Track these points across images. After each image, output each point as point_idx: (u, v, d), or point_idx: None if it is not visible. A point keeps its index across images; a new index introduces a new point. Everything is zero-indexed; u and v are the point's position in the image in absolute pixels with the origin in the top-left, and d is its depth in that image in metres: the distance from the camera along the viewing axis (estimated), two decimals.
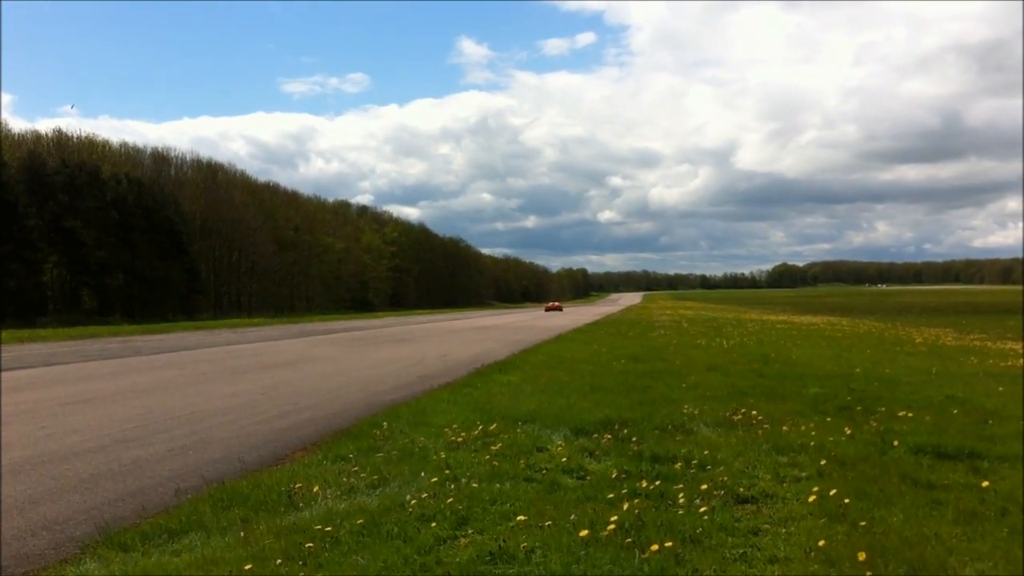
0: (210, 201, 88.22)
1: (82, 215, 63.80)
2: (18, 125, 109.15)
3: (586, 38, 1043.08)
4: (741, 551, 5.61)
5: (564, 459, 8.47)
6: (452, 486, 7.30)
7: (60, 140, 74.03)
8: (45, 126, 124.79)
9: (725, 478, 7.45)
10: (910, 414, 11.01)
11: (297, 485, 7.42)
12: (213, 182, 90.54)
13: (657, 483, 7.25)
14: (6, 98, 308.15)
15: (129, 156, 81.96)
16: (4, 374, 19.96)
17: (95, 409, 13.51)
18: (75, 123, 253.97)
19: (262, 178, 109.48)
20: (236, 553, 5.57)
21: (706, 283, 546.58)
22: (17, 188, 58.39)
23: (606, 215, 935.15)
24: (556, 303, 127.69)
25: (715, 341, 29.93)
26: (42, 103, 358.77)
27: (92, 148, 76.85)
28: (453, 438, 9.75)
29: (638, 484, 7.22)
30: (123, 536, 6.06)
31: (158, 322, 61.40)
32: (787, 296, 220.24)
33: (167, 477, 8.48)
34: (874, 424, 10.38)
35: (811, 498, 6.69)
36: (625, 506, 6.44)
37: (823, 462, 8.14)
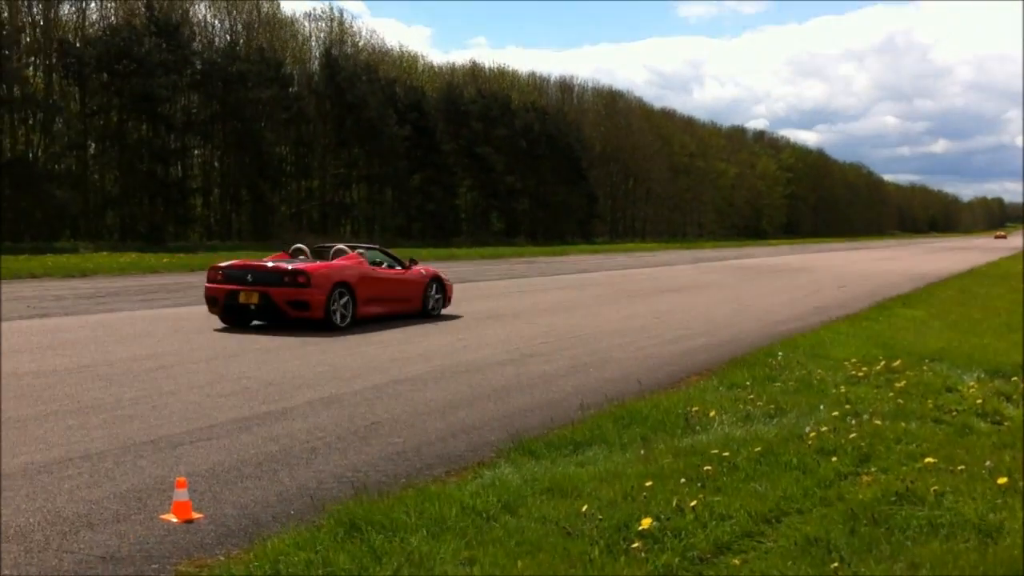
0: (609, 128, 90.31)
1: (493, 142, 67.80)
2: (436, 57, 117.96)
3: None
4: None
5: (978, 401, 7.89)
6: (853, 421, 7.06)
7: (474, 71, 78.88)
8: (460, 57, 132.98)
9: None
10: None
11: (694, 409, 7.51)
12: (613, 109, 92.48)
13: None
14: (425, 32, 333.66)
15: (536, 85, 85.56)
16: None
17: (504, 325, 14.48)
18: (487, 54, 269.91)
19: (657, 104, 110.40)
20: (637, 469, 5.77)
21: None
22: (436, 117, 63.15)
23: None
24: (1002, 233, 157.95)
25: None
26: (456, 36, 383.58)
27: (502, 78, 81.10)
28: (853, 372, 9.42)
29: None
30: (533, 444, 6.45)
31: (558, 244, 64.41)
32: None
33: (570, 392, 8.94)
34: None
35: None
36: None
37: None
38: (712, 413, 7.39)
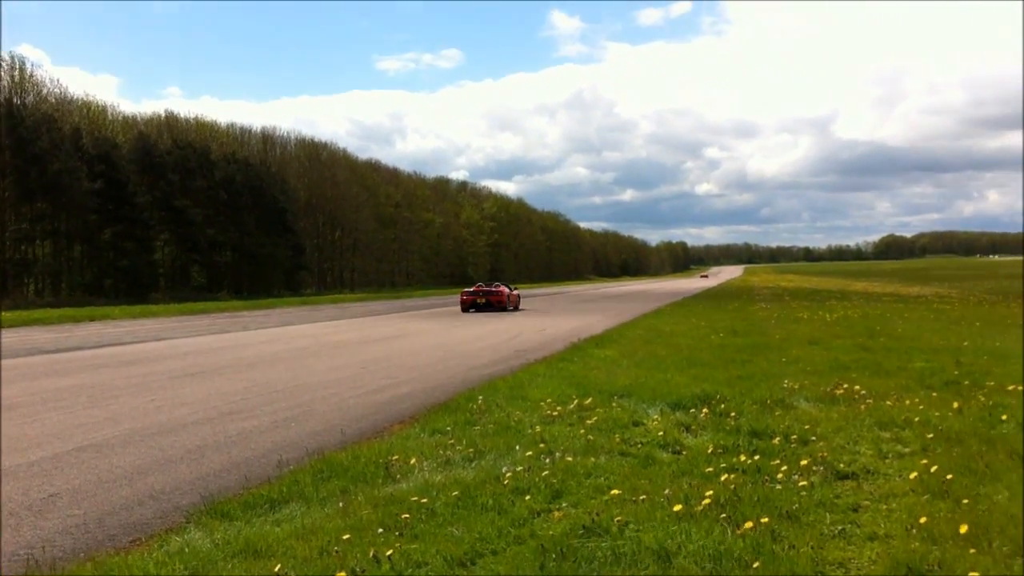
0: (314, 179, 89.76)
1: (192, 194, 65.45)
2: (127, 107, 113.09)
3: (681, 7, 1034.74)
4: (840, 528, 5.51)
5: (660, 433, 8.41)
6: (547, 460, 7.32)
7: (170, 121, 76.00)
8: (151, 107, 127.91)
9: (825, 454, 7.33)
10: (1020, 388, 10.65)
11: (395, 457, 7.53)
12: (317, 161, 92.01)
13: (755, 458, 7.17)
14: (112, 81, 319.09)
15: (236, 136, 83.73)
16: (117, 348, 20.71)
17: (203, 382, 13.92)
18: (182, 104, 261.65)
19: (361, 155, 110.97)
20: (335, 523, 5.69)
21: (809, 256, 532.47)
22: (129, 168, 60.21)
23: (704, 187, 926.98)
24: (705, 274, 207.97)
25: (817, 314, 29.37)
26: (147, 85, 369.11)
27: (201, 129, 78.73)
28: (548, 412, 9.78)
29: (735, 459, 7.15)
30: (226, 506, 6.23)
31: (264, 298, 62.95)
32: (894, 268, 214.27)
33: (270, 448, 8.70)
34: (982, 399, 10.07)
35: (913, 474, 6.54)
36: (721, 480, 6.39)
37: (929, 436, 7.95)
38: (413, 460, 7.43)
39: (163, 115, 76.54)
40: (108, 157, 57.67)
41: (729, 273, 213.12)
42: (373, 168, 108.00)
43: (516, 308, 41.11)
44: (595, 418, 9.27)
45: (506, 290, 40.51)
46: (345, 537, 5.28)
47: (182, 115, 78.35)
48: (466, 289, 42.03)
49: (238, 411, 10.98)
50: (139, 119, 73.76)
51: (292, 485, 6.73)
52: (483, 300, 39.10)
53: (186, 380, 14.25)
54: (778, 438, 8.03)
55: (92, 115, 66.44)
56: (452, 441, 8.29)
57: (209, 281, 69.86)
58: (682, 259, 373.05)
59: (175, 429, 9.73)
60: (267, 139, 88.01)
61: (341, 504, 6.20)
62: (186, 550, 5.25)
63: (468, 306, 39.17)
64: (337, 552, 5.03)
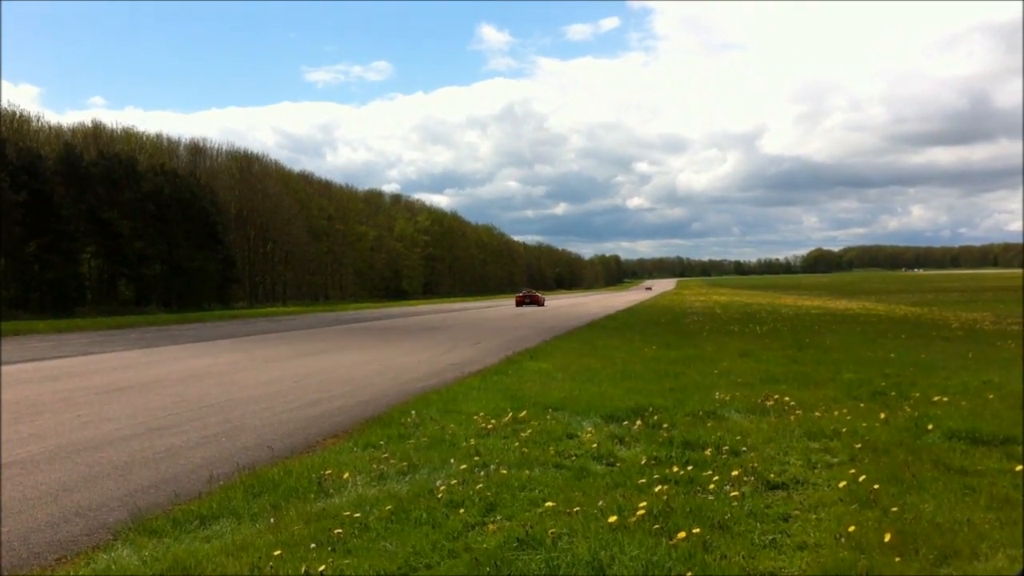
0: (245, 191, 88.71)
1: (119, 206, 64.15)
2: (48, 117, 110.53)
3: (610, 23, 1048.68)
4: (771, 537, 5.58)
5: (594, 446, 8.45)
6: (481, 473, 7.30)
7: (96, 132, 74.54)
8: (75, 118, 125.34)
9: (756, 464, 7.42)
10: (945, 399, 10.89)
11: (327, 472, 7.45)
12: (248, 172, 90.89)
13: (687, 469, 7.22)
14: (34, 91, 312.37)
15: (164, 148, 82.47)
16: (42, 363, 20.22)
17: (131, 397, 13.66)
18: (107, 115, 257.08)
19: (291, 168, 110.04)
20: (266, 539, 5.61)
21: (740, 269, 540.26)
22: (54, 180, 58.89)
23: (635, 201, 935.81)
24: (648, 285, 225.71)
25: (748, 327, 29.76)
26: (70, 95, 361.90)
27: (128, 140, 77.36)
28: (483, 425, 9.76)
29: (668, 470, 7.20)
30: (155, 522, 6.11)
31: (194, 311, 61.97)
32: (822, 281, 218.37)
33: (200, 464, 8.56)
34: (908, 409, 10.27)
35: (842, 484, 6.65)
36: (654, 492, 6.42)
37: (857, 447, 8.08)
38: (346, 475, 7.36)
39: (89, 125, 75.21)
40: (32, 168, 56.38)
41: (662, 286, 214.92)
42: (305, 180, 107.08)
43: (543, 305, 70.76)
44: (529, 431, 9.27)
45: (540, 295, 77.07)
46: (276, 553, 5.21)
47: (108, 125, 77.06)
48: (518, 293, 78.15)
49: (167, 426, 10.79)
50: (65, 129, 72.40)
51: (222, 501, 6.63)
52: (528, 300, 72.41)
53: (113, 395, 13.97)
54: (710, 449, 8.11)
55: (15, 125, 64.96)
56: (386, 455, 8.23)
57: (137, 294, 68.57)
58: (616, 272, 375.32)
59: (102, 445, 9.53)
60: (196, 151, 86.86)
61: (272, 520, 6.12)
62: (113, 568, 5.15)
63: (521, 303, 71.24)
64: (269, 568, 4.97)
